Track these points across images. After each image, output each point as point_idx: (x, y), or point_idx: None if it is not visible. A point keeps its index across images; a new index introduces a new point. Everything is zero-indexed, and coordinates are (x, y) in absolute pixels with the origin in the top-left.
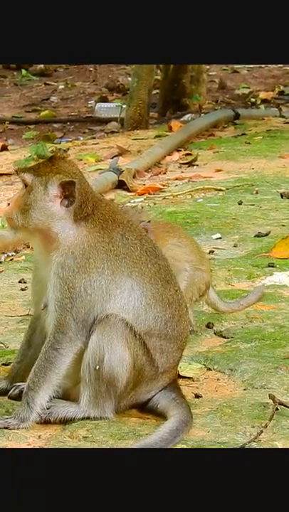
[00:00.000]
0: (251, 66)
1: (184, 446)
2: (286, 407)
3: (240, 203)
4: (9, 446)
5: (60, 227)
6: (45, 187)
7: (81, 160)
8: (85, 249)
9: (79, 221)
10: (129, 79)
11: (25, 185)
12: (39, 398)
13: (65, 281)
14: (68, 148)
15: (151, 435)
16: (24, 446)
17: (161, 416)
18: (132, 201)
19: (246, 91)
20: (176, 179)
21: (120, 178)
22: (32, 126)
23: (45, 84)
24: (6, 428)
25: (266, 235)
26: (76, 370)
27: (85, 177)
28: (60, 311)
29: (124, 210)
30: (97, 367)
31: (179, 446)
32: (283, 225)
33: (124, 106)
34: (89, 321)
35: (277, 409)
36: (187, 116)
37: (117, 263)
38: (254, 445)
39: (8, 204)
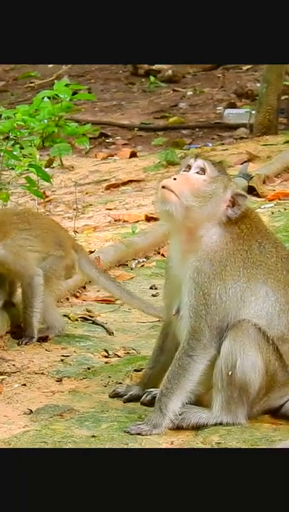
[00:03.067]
0: None
1: None
2: None
3: None
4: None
5: (206, 230)
6: (225, 188)
7: None
8: (223, 257)
9: (225, 228)
10: (258, 85)
11: (200, 173)
12: (172, 404)
13: (201, 287)
14: None
15: (286, 440)
16: None
17: None
18: (263, 207)
19: None
20: None
21: (250, 184)
22: (161, 133)
23: (174, 90)
24: (139, 434)
25: None
26: (209, 376)
27: None
28: (194, 318)
29: None
30: (230, 372)
31: None
32: None
33: (253, 112)
34: (223, 328)
35: None
36: None
37: (253, 270)
38: None
39: (174, 179)
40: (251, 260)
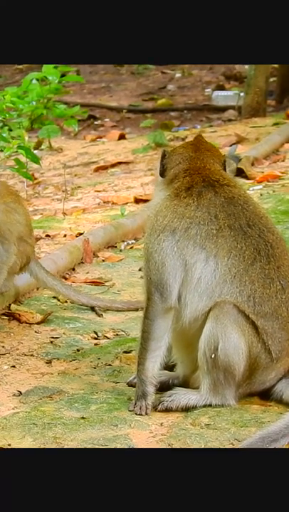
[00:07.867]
0: None
1: None
2: None
3: None
4: (131, 434)
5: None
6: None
7: None
8: (158, 219)
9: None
10: (246, 67)
11: None
12: (148, 370)
13: (145, 252)
14: (186, 137)
15: (276, 422)
16: (146, 433)
17: (287, 405)
18: (251, 189)
19: None
20: None
21: (239, 166)
22: (149, 115)
23: (162, 72)
24: (145, 413)
25: None
26: (193, 358)
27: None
28: (145, 281)
29: None
30: (213, 355)
31: None
32: None
33: (241, 94)
34: (169, 284)
35: None
36: None
37: (185, 233)
38: None
39: None
40: (180, 215)
